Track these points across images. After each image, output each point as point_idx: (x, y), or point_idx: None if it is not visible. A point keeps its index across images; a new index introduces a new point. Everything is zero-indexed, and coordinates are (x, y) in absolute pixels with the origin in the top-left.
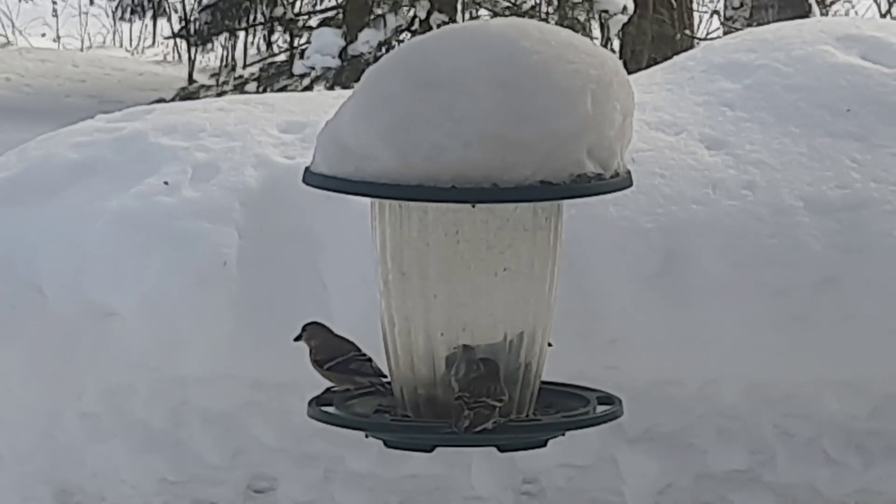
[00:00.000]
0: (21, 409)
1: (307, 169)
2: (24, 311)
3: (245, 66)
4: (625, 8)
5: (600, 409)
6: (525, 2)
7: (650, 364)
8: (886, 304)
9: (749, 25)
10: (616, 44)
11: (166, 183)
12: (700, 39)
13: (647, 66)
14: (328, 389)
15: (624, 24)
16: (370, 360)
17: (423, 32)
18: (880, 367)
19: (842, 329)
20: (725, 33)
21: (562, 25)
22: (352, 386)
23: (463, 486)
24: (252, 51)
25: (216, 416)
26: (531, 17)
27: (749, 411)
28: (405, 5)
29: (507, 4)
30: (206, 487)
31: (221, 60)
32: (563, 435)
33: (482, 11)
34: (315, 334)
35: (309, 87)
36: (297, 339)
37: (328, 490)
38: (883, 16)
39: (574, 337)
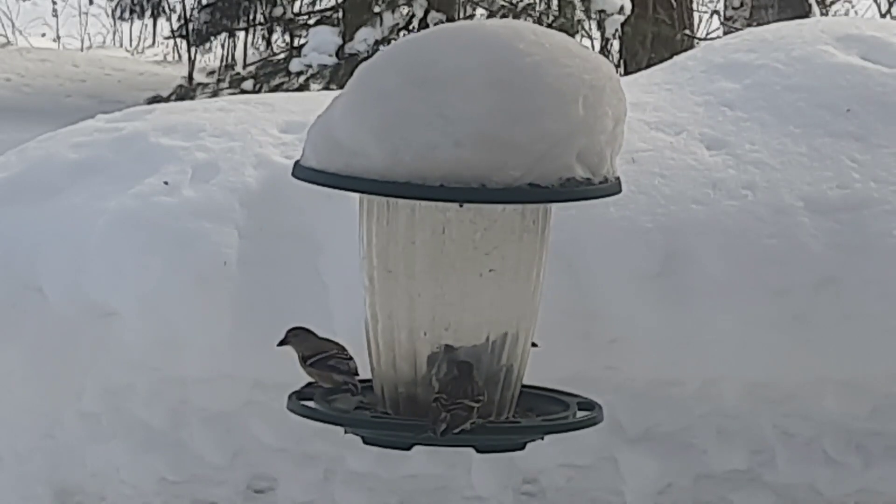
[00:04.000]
0: (21, 409)
1: (297, 163)
2: (24, 311)
3: (245, 66)
4: (622, 8)
5: (580, 414)
6: (521, 0)
7: (650, 364)
8: (886, 304)
9: (749, 25)
10: (616, 44)
11: (166, 183)
12: (700, 39)
13: (647, 67)
14: (309, 384)
15: (622, 24)
16: (350, 358)
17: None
18: (880, 367)
19: (842, 329)
20: (725, 33)
21: (558, 26)
22: (329, 383)
23: (463, 486)
24: (252, 51)
25: (216, 416)
26: (528, 16)
27: (749, 411)
28: (402, 4)
29: (504, 3)
30: (206, 487)
31: (221, 60)
32: (543, 439)
33: (479, 11)
34: (302, 340)
35: (305, 85)
36: (281, 343)
37: (328, 490)
38: (883, 16)
39: (574, 337)
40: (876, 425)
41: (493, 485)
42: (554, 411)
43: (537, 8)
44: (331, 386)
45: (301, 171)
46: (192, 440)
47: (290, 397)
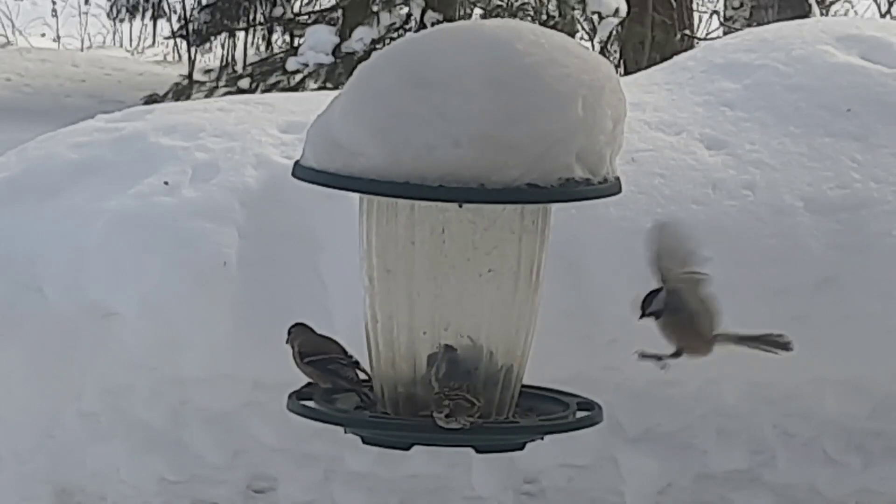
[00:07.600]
0: (21, 409)
1: (297, 163)
2: (24, 311)
3: (245, 67)
4: (617, 10)
5: (580, 414)
6: (518, 1)
7: (650, 364)
8: (886, 304)
9: (749, 25)
10: (615, 44)
11: (166, 183)
12: (700, 39)
13: (647, 67)
14: (309, 384)
15: (622, 24)
16: (356, 363)
17: (418, 30)
18: (880, 367)
19: (842, 329)
20: (725, 33)
21: (556, 27)
22: (327, 383)
23: (463, 486)
24: (251, 51)
25: (216, 416)
26: (525, 15)
27: (749, 411)
28: (399, 3)
29: (500, 3)
30: (206, 487)
31: (221, 60)
32: (542, 439)
33: (477, 10)
34: (300, 334)
35: (301, 83)
36: (288, 342)
37: (328, 490)
38: (883, 16)
39: (574, 337)
40: (876, 425)
41: (493, 485)
42: (553, 411)
43: (534, 9)
44: (329, 385)
45: (301, 172)
46: (192, 440)
47: (289, 397)
